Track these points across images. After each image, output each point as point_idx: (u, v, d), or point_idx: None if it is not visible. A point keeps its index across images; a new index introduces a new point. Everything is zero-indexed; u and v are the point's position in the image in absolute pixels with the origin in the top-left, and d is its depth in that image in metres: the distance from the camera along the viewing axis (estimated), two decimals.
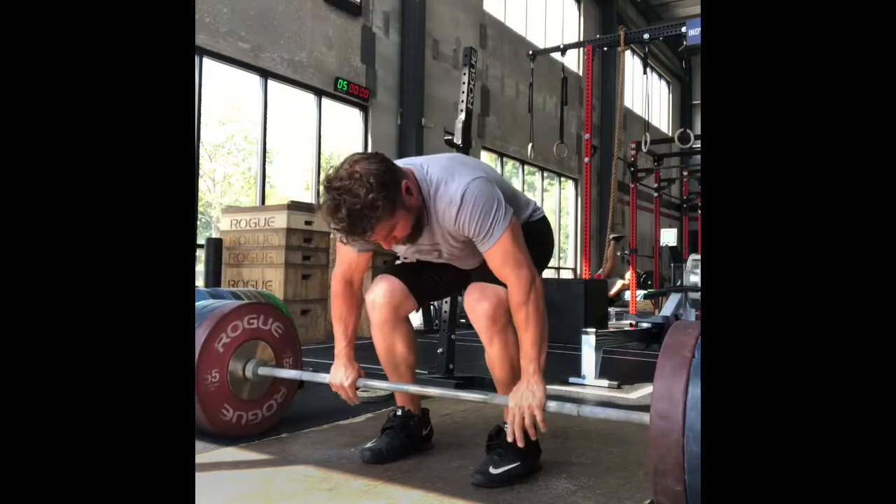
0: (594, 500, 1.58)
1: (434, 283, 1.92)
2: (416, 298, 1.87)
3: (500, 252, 1.59)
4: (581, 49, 7.51)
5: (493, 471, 1.67)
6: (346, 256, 1.82)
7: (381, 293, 1.82)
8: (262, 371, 2.04)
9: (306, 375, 2.04)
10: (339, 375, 1.83)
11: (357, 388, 1.85)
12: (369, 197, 1.44)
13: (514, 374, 1.70)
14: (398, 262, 1.90)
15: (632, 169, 7.36)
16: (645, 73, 5.62)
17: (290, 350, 2.18)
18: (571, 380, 3.36)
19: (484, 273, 1.69)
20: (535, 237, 1.76)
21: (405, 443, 1.88)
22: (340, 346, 1.86)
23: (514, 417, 1.57)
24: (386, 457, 1.83)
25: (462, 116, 3.39)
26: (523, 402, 1.56)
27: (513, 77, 11.74)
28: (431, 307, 5.88)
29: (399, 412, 1.94)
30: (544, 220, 1.89)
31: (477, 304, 1.68)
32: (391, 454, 1.84)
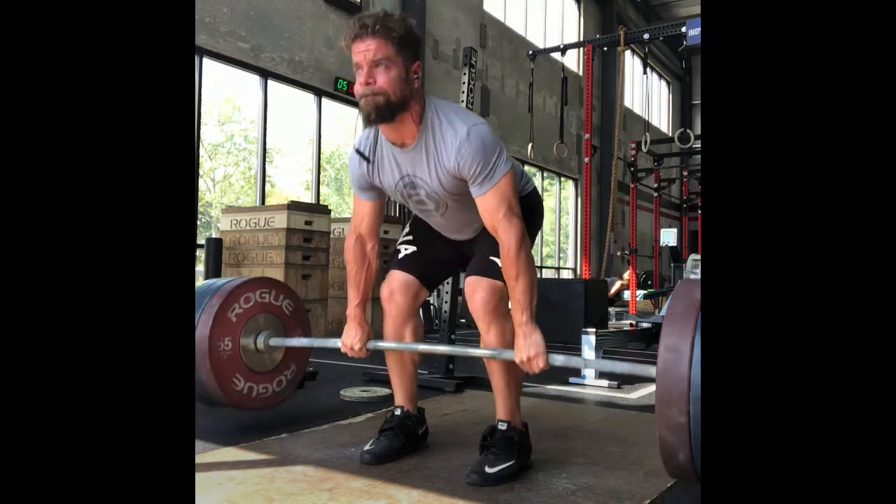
0: (594, 500, 1.58)
1: (436, 267, 1.96)
2: (426, 287, 1.92)
3: (497, 195, 1.61)
4: (581, 49, 7.51)
5: (488, 470, 1.68)
6: (359, 209, 1.86)
7: (396, 286, 1.87)
8: (274, 342, 2.06)
9: (317, 342, 2.08)
10: (351, 336, 1.86)
11: (368, 350, 1.88)
12: (402, 21, 1.59)
13: (510, 364, 1.73)
14: (400, 255, 1.94)
15: (632, 169, 7.36)
16: (645, 73, 5.62)
17: (300, 327, 2.21)
18: (571, 380, 3.36)
19: (482, 254, 1.75)
20: (529, 208, 1.79)
21: (404, 443, 1.89)
22: (352, 307, 1.88)
23: (524, 368, 1.62)
24: (385, 458, 1.83)
25: None
26: (531, 354, 1.60)
27: (513, 77, 11.73)
28: (431, 307, 5.88)
29: (398, 412, 1.94)
30: (535, 191, 1.93)
31: (475, 292, 1.73)
32: (390, 455, 1.85)
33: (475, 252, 1.85)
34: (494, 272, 1.73)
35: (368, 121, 1.60)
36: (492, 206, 1.63)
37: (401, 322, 1.89)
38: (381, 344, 1.87)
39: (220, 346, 1.97)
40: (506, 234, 1.61)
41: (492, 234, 1.72)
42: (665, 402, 1.23)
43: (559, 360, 1.61)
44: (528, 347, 1.60)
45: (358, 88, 1.59)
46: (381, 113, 1.58)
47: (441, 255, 1.96)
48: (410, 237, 1.96)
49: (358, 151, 1.76)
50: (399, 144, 1.69)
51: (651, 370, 1.37)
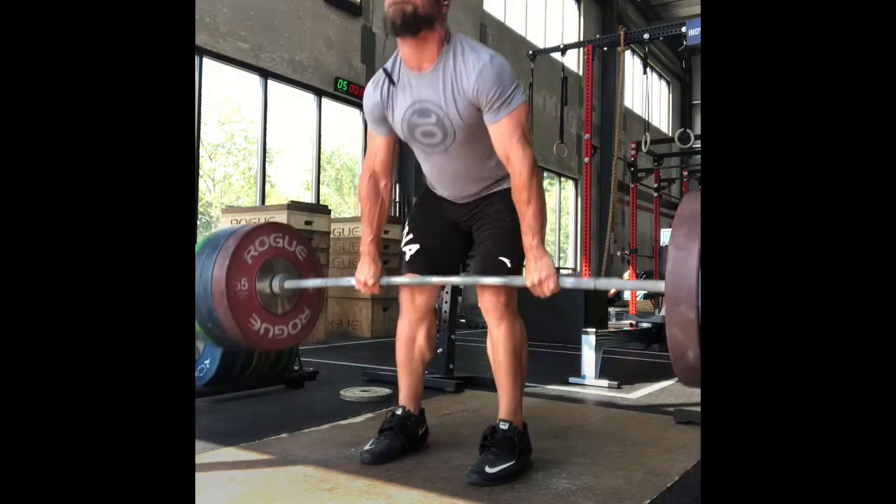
0: (594, 500, 1.58)
1: (443, 258, 1.96)
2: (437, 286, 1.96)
3: (513, 123, 1.65)
4: (581, 49, 7.51)
5: (488, 470, 1.68)
6: (372, 145, 1.88)
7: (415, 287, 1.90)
8: (289, 284, 2.09)
9: (331, 282, 2.16)
10: (364, 272, 1.89)
11: (381, 287, 1.91)
12: None
13: (518, 361, 1.79)
14: (407, 257, 1.95)
15: (632, 169, 7.36)
16: (645, 73, 5.62)
17: (313, 272, 2.24)
18: (571, 380, 3.36)
19: (489, 250, 1.78)
20: None
21: (403, 443, 1.89)
22: (365, 244, 1.91)
23: (535, 292, 1.65)
24: (385, 458, 1.83)
25: None
26: (542, 276, 1.63)
27: None
28: None
29: (398, 411, 1.94)
30: None
31: (484, 291, 1.78)
32: (390, 455, 1.85)
33: (480, 243, 1.86)
34: (503, 271, 1.76)
35: (393, 28, 1.61)
36: (506, 132, 1.65)
37: (416, 320, 1.92)
38: (395, 279, 1.90)
39: (236, 286, 1.99)
40: (518, 160, 1.64)
41: (495, 213, 1.78)
42: (674, 301, 1.25)
43: (569, 282, 1.67)
44: (539, 270, 1.63)
45: None
46: (407, 22, 1.59)
47: (445, 242, 1.96)
48: (411, 235, 1.97)
49: (385, 71, 1.77)
50: (416, 68, 1.70)
51: (660, 284, 1.38)
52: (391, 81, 1.75)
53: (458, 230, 1.96)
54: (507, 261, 1.77)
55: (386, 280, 1.90)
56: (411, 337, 1.93)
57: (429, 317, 1.94)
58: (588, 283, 1.67)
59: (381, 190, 1.89)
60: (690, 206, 1.31)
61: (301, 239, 2.20)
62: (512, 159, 1.65)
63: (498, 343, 1.78)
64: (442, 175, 1.88)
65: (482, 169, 1.80)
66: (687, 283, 1.23)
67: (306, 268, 2.20)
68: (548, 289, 1.63)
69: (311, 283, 2.11)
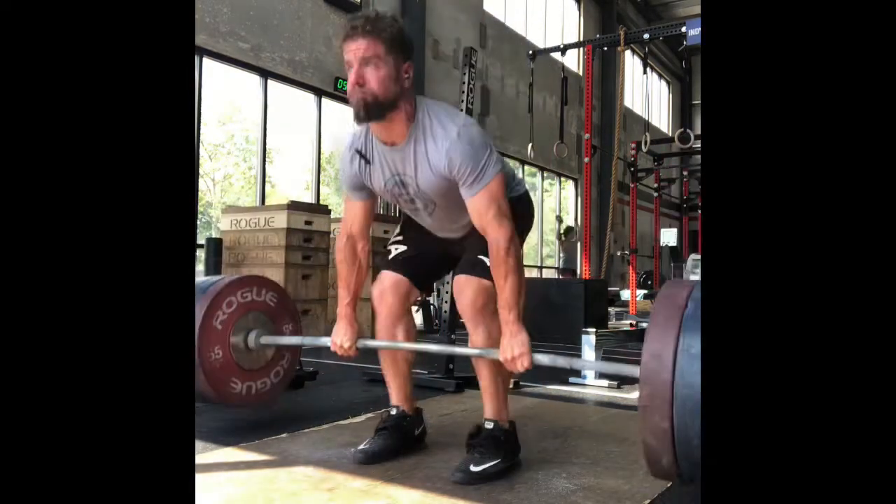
0: (594, 500, 1.58)
1: (427, 267, 1.96)
2: (417, 287, 1.93)
3: (487, 197, 1.63)
4: (581, 49, 7.51)
5: (473, 468, 1.68)
6: (350, 209, 1.88)
7: (387, 285, 1.88)
8: (264, 340, 2.07)
9: (307, 340, 2.11)
10: (341, 335, 1.89)
11: (358, 350, 1.91)
12: (393, 22, 1.62)
13: (498, 366, 1.74)
14: (391, 255, 1.95)
15: (632, 169, 7.36)
16: (645, 73, 5.62)
17: (287, 317, 2.21)
18: (571, 380, 3.36)
19: (472, 253, 1.76)
20: (519, 212, 1.79)
21: (399, 443, 1.89)
22: (342, 305, 1.91)
23: (508, 367, 1.63)
24: (378, 458, 1.83)
25: None
26: (516, 353, 1.61)
27: (513, 77, 11.73)
28: (431, 307, 5.88)
29: (393, 412, 1.94)
30: (526, 194, 1.95)
31: (462, 291, 1.75)
32: (383, 455, 1.84)
33: (465, 251, 1.85)
34: (482, 271, 1.73)
35: (358, 118, 1.62)
36: (481, 208, 1.63)
37: (391, 323, 1.90)
38: (371, 343, 1.88)
39: (211, 356, 1.96)
40: (495, 234, 1.63)
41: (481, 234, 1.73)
42: (649, 409, 1.24)
43: (544, 360, 1.63)
44: (514, 347, 1.61)
45: (349, 87, 1.61)
46: (370, 111, 1.60)
47: (432, 255, 1.96)
48: (401, 237, 1.97)
49: (358, 152, 1.78)
50: (389, 143, 1.70)
51: (635, 370, 1.38)
52: (365, 160, 1.76)
53: (448, 250, 1.95)
54: (485, 259, 1.74)
55: (363, 343, 1.88)
56: (389, 339, 1.91)
57: (403, 318, 1.91)
58: (563, 361, 1.64)
59: (359, 253, 1.88)
60: (664, 310, 1.29)
61: (270, 285, 2.17)
62: (489, 233, 1.64)
63: (477, 345, 1.76)
64: (432, 228, 1.91)
65: (468, 219, 1.76)
66: (661, 393, 1.22)
67: (280, 313, 2.17)
68: (521, 365, 1.60)
69: (287, 340, 2.09)
